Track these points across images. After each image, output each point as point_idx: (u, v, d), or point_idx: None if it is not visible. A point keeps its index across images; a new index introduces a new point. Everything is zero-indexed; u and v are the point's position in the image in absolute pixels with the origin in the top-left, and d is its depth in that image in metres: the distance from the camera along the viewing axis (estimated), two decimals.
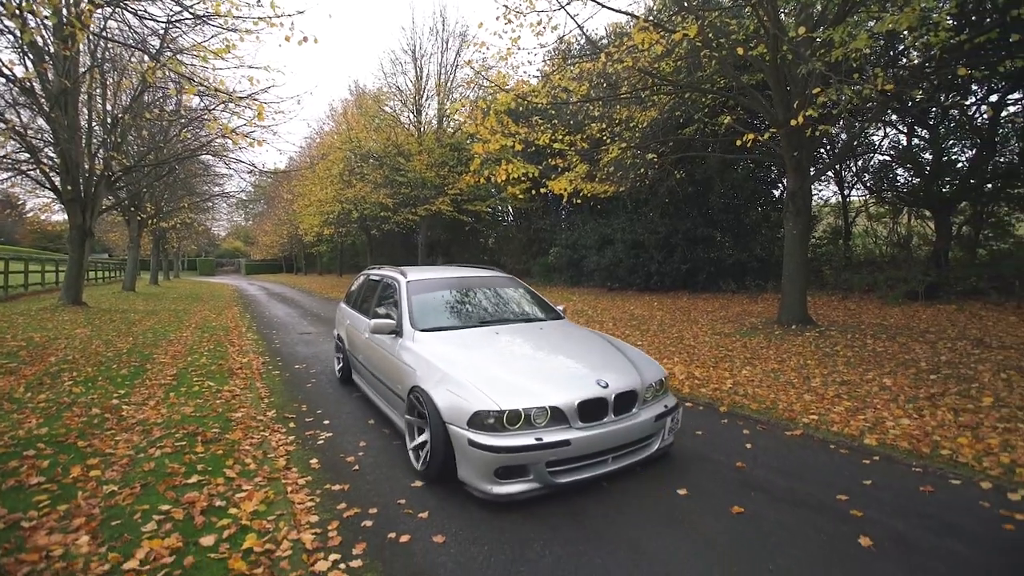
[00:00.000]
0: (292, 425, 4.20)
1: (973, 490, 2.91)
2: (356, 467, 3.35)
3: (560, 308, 4.58)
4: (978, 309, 9.29)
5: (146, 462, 3.16)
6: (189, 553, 2.24)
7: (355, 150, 19.42)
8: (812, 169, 9.11)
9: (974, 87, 10.50)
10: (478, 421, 2.67)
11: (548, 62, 11.14)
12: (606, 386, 2.93)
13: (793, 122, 5.86)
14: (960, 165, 11.54)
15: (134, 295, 17.61)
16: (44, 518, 2.47)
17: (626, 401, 3.00)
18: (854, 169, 14.00)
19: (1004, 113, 10.64)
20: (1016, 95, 10.44)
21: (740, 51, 6.60)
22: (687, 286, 14.27)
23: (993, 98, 10.67)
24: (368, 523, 2.64)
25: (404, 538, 2.50)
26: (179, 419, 4.02)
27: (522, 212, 21.16)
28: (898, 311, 9.73)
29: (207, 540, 2.34)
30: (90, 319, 9.91)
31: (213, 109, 11.67)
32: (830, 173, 14.21)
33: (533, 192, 12.29)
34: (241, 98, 8.08)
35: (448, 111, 19.79)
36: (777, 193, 14.56)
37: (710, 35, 7.51)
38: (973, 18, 7.33)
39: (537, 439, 2.64)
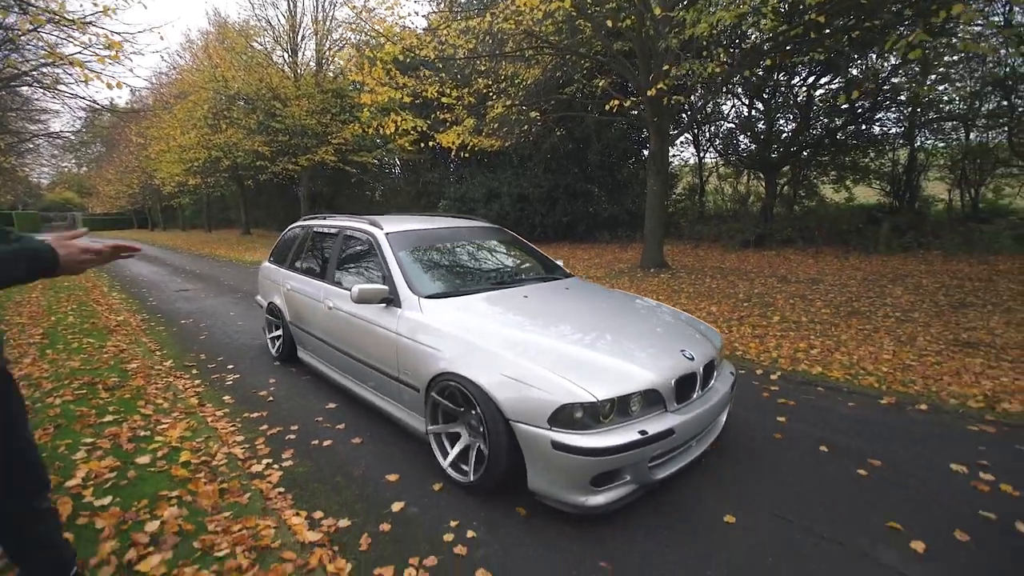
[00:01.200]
0: (195, 371, 4.32)
1: (750, 375, 4.10)
2: (271, 399, 3.68)
3: (559, 262, 3.96)
4: (789, 254, 11.59)
5: (49, 409, 3.20)
6: (129, 469, 2.51)
7: (222, 91, 17.49)
8: (670, 133, 10.41)
9: (800, 69, 12.55)
10: (565, 417, 2.05)
11: (436, 13, 11.07)
12: (692, 358, 2.45)
13: (650, 92, 6.79)
14: (784, 136, 13.84)
15: None
16: None
17: (707, 373, 2.56)
18: (707, 135, 16.03)
19: (817, 93, 12.90)
20: (825, 79, 12.68)
21: (610, 22, 7.33)
22: (567, 237, 15.53)
23: (811, 79, 12.86)
24: (292, 436, 3.06)
25: (327, 443, 2.98)
26: (68, 372, 3.95)
27: (410, 165, 20.85)
28: (734, 256, 11.77)
29: (143, 459, 2.61)
30: None
31: (36, 29, 9.88)
32: (688, 136, 16.12)
33: (421, 145, 12.37)
34: (74, 21, 7.03)
35: (328, 55, 18.50)
36: (646, 153, 16.19)
37: (587, 2, 8.15)
38: (787, 13, 8.82)
39: (642, 432, 2.08)
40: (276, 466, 2.69)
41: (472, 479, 2.39)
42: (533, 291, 3.19)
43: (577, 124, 14.36)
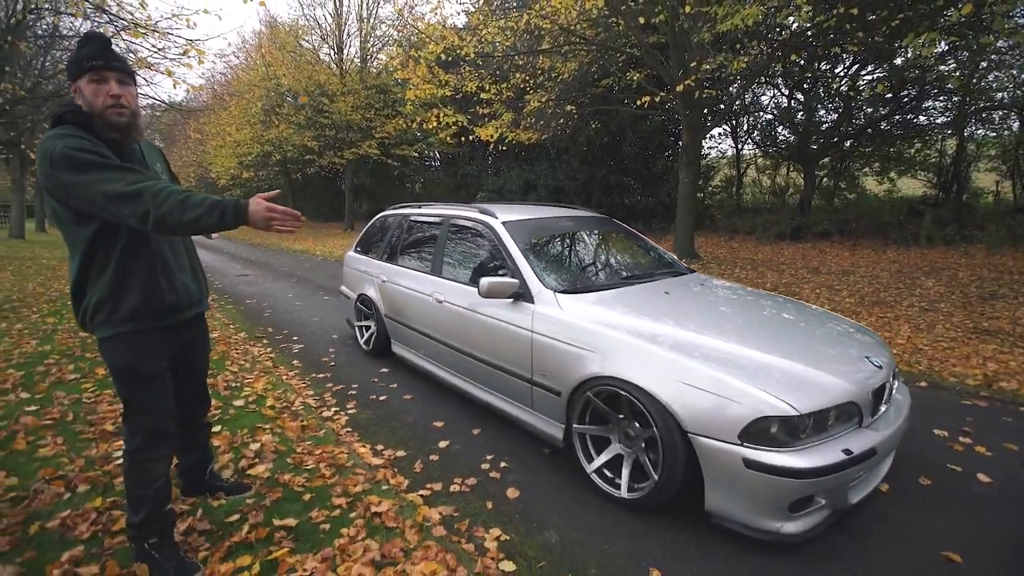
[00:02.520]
0: (265, 341, 4.97)
1: None
2: (332, 363, 4.26)
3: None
4: (825, 247, 11.51)
5: None
6: (229, 409, 3.11)
7: (275, 88, 18.55)
8: (704, 126, 10.54)
9: (843, 57, 12.33)
10: (759, 432, 1.83)
11: (476, 9, 11.50)
12: (880, 366, 2.18)
13: (679, 87, 7.03)
14: (825, 126, 13.62)
15: (26, 243, 16.30)
16: (99, 397, 3.20)
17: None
18: (746, 126, 15.89)
19: (860, 84, 12.64)
20: (869, 68, 12.41)
21: (643, 18, 7.59)
22: None
23: (853, 68, 12.62)
24: (353, 392, 3.61)
25: (383, 398, 3.51)
26: None
27: (449, 157, 21.49)
28: (768, 249, 11.78)
29: (238, 403, 3.21)
30: (1, 265, 9.52)
31: (119, 32, 10.93)
32: (726, 128, 16.03)
33: (461, 139, 12.88)
34: (156, 30, 7.85)
35: (372, 51, 19.28)
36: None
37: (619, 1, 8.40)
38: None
39: (846, 452, 1.85)
40: (342, 413, 3.24)
41: (628, 495, 2.19)
42: (670, 287, 2.92)
43: (613, 117, 14.55)
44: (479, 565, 1.86)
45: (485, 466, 2.60)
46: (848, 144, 13.52)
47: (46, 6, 11.39)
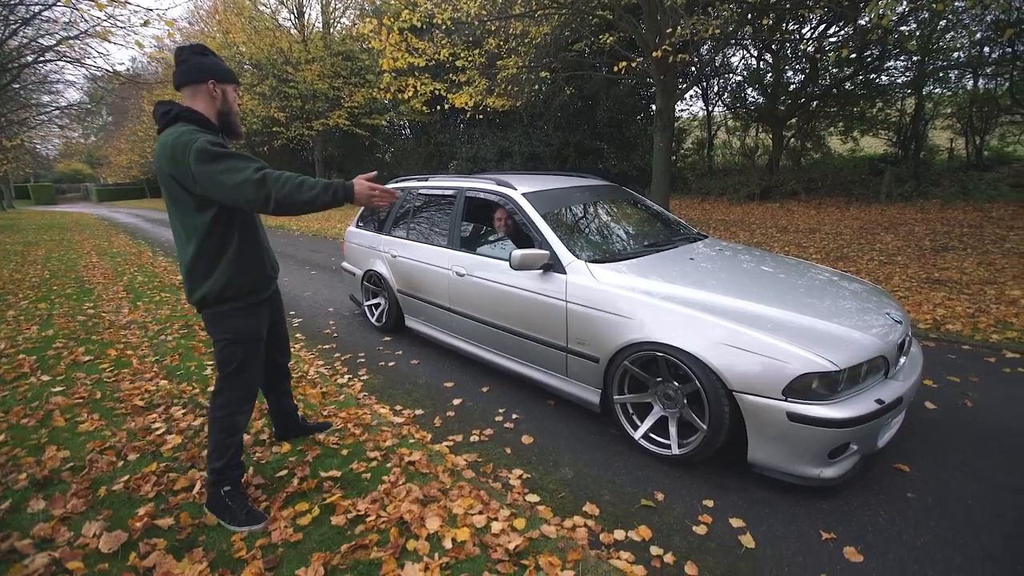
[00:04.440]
0: None
1: None
2: (335, 334, 4.43)
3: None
4: (792, 206, 12.01)
5: (167, 343, 3.98)
6: None
7: (234, 57, 17.71)
8: (677, 90, 10.69)
9: (810, 17, 12.54)
10: (801, 388, 1.99)
11: None
12: (900, 321, 2.39)
13: (655, 53, 7.16)
14: (792, 87, 13.94)
15: None
16: (118, 376, 3.31)
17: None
18: (716, 88, 16.10)
19: (826, 44, 12.92)
20: (835, 28, 12.67)
21: None
22: None
23: (820, 28, 12.86)
24: (361, 360, 3.81)
25: (391, 364, 3.72)
26: (165, 318, 4.72)
27: (420, 126, 21.09)
28: (739, 209, 12.22)
29: None
30: None
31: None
32: (697, 90, 16.21)
33: (436, 108, 12.71)
34: None
35: (334, 16, 18.51)
36: (653, 109, 16.35)
37: None
38: None
39: (879, 401, 2.04)
40: (356, 379, 3.44)
41: (678, 452, 2.35)
42: (693, 253, 3.06)
43: (586, 82, 14.54)
44: (508, 498, 2.14)
45: (499, 418, 2.86)
46: (814, 104, 13.91)
47: None
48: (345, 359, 3.84)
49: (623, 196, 3.85)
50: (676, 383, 2.36)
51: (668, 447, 2.40)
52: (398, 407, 3.02)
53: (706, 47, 11.95)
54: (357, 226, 4.69)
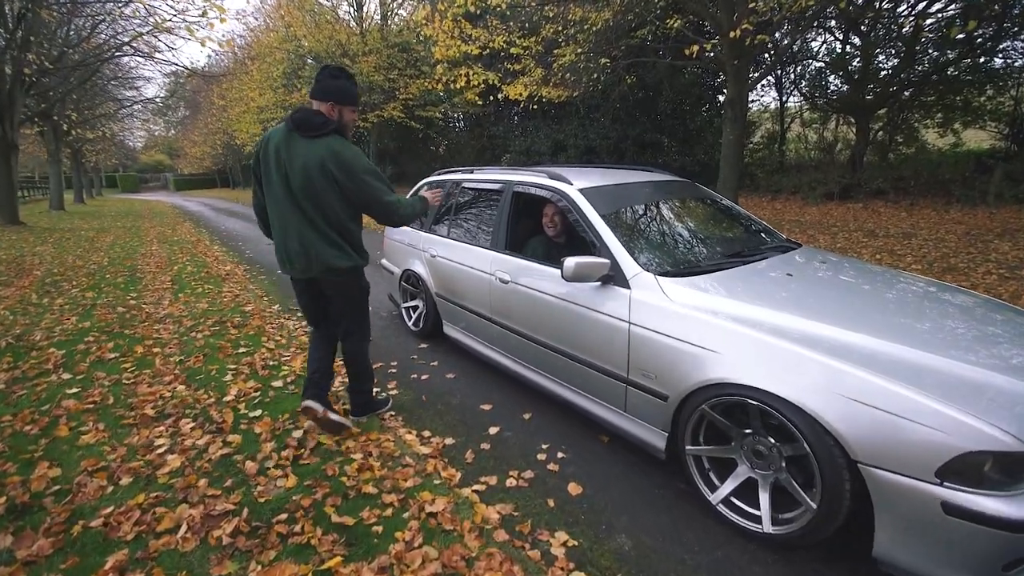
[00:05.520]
0: (299, 315, 4.85)
1: None
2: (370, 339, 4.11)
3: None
4: (879, 207, 10.75)
5: (195, 342, 3.79)
6: (268, 391, 2.99)
7: (295, 51, 18.10)
8: (750, 77, 9.76)
9: None
10: (966, 469, 1.43)
11: None
12: None
13: (732, 33, 6.40)
14: (883, 73, 12.50)
15: (66, 214, 16.69)
16: (138, 377, 3.12)
17: None
18: (792, 76, 14.76)
19: (928, 22, 11.45)
20: (938, 5, 11.19)
21: None
22: None
23: (920, 6, 11.41)
24: (393, 370, 3.45)
25: (424, 377, 3.34)
26: (200, 312, 4.59)
27: (474, 118, 20.84)
28: (815, 210, 11.09)
29: (277, 383, 3.09)
30: (42, 238, 9.72)
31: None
32: (770, 79, 14.94)
33: (489, 98, 12.34)
34: None
35: (392, 7, 18.52)
36: (721, 99, 15.22)
37: None
38: None
39: None
40: (385, 393, 3.09)
41: (773, 530, 1.81)
42: (791, 266, 2.44)
43: (648, 70, 13.70)
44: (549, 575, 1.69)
45: (541, 456, 2.41)
46: (908, 93, 12.41)
47: None
48: (376, 368, 3.50)
49: (696, 193, 3.25)
50: (771, 439, 1.81)
51: (758, 521, 1.85)
52: (426, 433, 2.63)
53: (785, 28, 10.87)
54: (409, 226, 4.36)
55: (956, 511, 1.42)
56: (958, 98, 12.06)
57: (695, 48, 7.13)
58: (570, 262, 2.23)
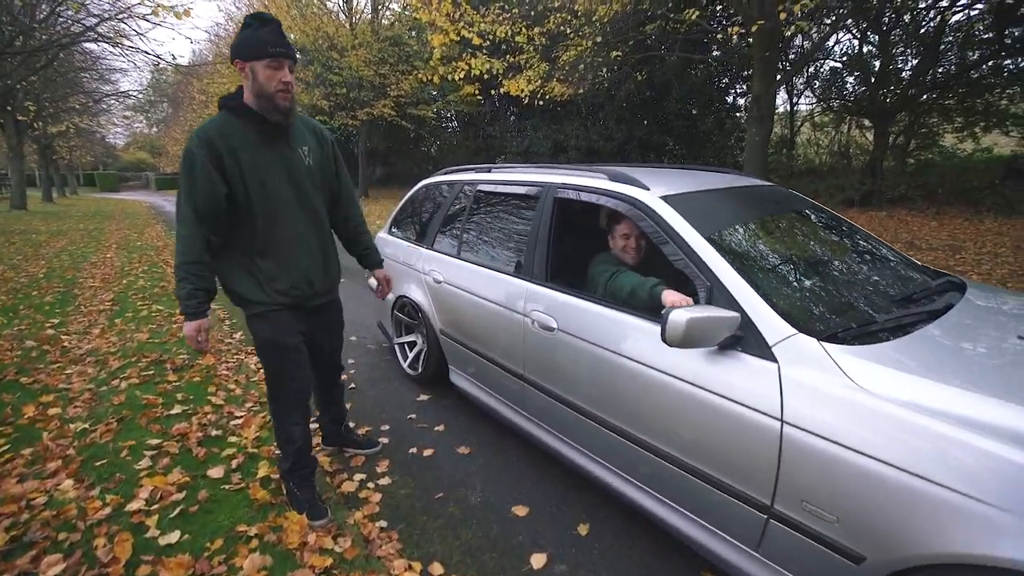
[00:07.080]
0: None
1: None
2: (352, 385, 3.15)
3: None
4: (904, 215, 10.04)
5: (114, 395, 2.81)
6: (200, 487, 2.03)
7: None
8: (781, 73, 9.00)
9: None
10: None
11: None
12: None
13: (782, 14, 5.57)
14: (904, 74, 11.84)
15: (27, 214, 15.43)
16: (7, 465, 2.14)
17: None
18: (805, 76, 14.07)
19: (952, 20, 10.82)
20: (962, 3, 10.55)
21: None
22: None
23: (944, 2, 10.76)
24: (384, 439, 2.51)
25: (427, 452, 2.41)
26: (136, 346, 3.60)
27: (467, 118, 19.92)
28: None
29: (215, 472, 2.13)
30: None
31: None
32: (778, 78, 14.24)
33: (489, 93, 11.42)
34: None
35: (382, 2, 17.56)
36: (730, 100, 14.51)
37: None
38: None
39: None
40: (371, 485, 2.15)
41: None
42: (1006, 323, 1.59)
43: (656, 68, 12.91)
44: None
45: None
46: (928, 96, 11.75)
47: None
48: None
49: (799, 204, 2.27)
50: None
51: None
52: (436, 568, 1.70)
53: (825, 20, 10.11)
54: (390, 232, 3.40)
55: None
56: (978, 101, 11.43)
57: (735, 31, 6.28)
58: (678, 317, 1.34)
